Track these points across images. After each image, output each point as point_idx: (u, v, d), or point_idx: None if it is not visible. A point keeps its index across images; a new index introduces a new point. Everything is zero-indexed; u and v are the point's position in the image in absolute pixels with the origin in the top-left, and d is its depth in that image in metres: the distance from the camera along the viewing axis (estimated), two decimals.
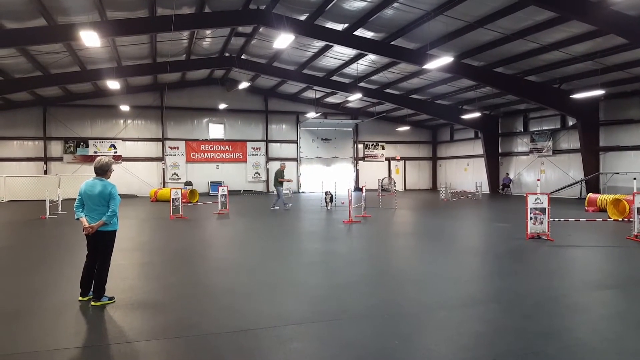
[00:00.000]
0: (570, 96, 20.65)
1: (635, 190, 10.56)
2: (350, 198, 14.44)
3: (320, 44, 20.49)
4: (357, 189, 31.34)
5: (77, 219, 5.65)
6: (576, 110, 22.27)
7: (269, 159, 32.81)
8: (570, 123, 25.24)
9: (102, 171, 5.72)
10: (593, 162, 23.21)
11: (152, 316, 5.23)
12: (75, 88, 26.76)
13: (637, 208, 10.26)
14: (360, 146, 35.62)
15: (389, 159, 36.27)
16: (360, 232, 12.25)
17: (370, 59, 21.92)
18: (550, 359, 4.03)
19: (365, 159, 35.66)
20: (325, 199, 19.38)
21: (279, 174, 19.38)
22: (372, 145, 35.90)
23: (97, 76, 22.80)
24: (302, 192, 32.83)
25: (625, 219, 11.93)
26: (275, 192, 19.92)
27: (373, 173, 34.49)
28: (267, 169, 32.67)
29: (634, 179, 11.75)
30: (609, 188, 22.50)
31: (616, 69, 18.51)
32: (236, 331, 4.71)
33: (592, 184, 22.94)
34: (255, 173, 32.52)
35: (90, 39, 13.54)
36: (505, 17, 15.03)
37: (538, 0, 13.22)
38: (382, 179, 32.85)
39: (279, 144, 33.30)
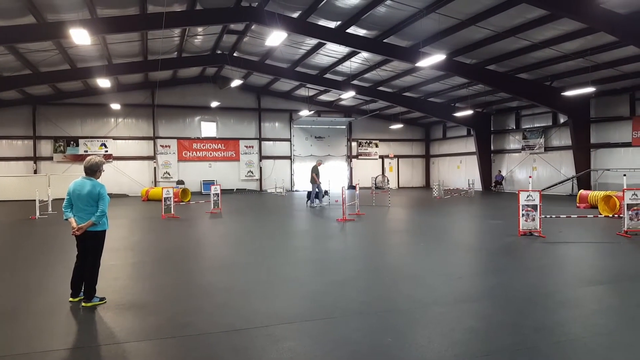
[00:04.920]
0: (562, 93, 20.79)
1: (625, 187, 10.64)
2: (343, 196, 14.43)
3: (313, 41, 20.43)
4: (351, 187, 31.35)
5: (66, 219, 5.58)
6: (567, 107, 22.41)
7: (262, 157, 32.72)
8: (562, 120, 25.40)
9: (92, 171, 5.64)
10: (584, 159, 23.38)
11: (144, 316, 5.19)
12: (65, 86, 26.50)
13: (627, 204, 10.35)
14: (354, 144, 35.63)
15: (382, 157, 36.31)
16: (354, 229, 12.24)
17: (363, 57, 21.91)
18: (543, 354, 4.04)
19: (359, 157, 35.68)
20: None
21: (315, 170, 18.94)
22: (365, 143, 35.92)
23: (87, 74, 22.61)
24: (296, 191, 32.79)
25: (616, 215, 12.01)
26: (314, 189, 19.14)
27: (367, 171, 34.54)
28: (260, 168, 32.61)
29: (624, 175, 11.85)
30: (600, 184, 22.69)
31: (606, 67, 18.63)
32: (229, 330, 4.68)
33: (584, 181, 23.13)
34: (248, 171, 32.43)
35: (80, 37, 13.40)
36: (497, 14, 15.06)
37: None
38: (376, 177, 32.91)
39: (272, 142, 33.21)
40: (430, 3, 15.00)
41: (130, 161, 29.63)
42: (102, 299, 5.61)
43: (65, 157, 28.45)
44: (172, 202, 15.93)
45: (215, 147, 31.70)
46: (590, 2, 13.32)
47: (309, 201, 19.14)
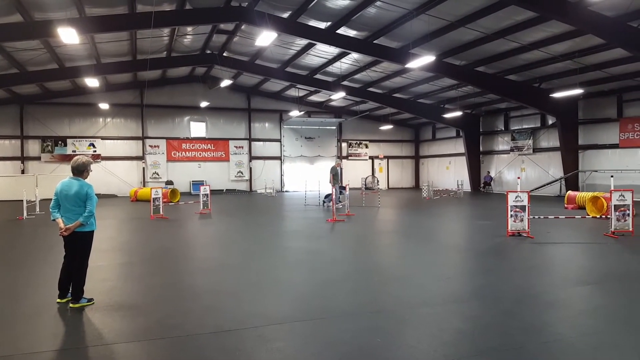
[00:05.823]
0: (550, 95, 20.99)
1: (612, 188, 10.77)
2: (333, 197, 14.46)
3: (303, 42, 20.41)
4: (341, 187, 31.32)
5: (53, 220, 5.52)
6: (556, 109, 22.62)
7: (252, 158, 32.63)
8: (550, 122, 25.65)
9: (79, 171, 5.59)
10: (572, 160, 23.63)
11: (133, 318, 5.15)
12: (53, 86, 26.20)
13: (615, 205, 10.48)
14: (344, 145, 35.68)
15: (372, 158, 36.40)
16: (344, 230, 12.25)
17: (353, 58, 21.94)
18: (531, 354, 4.07)
19: (349, 158, 35.72)
20: None
21: (334, 171, 18.71)
22: (355, 143, 35.99)
23: (75, 74, 22.37)
24: (286, 191, 32.74)
25: (603, 216, 12.15)
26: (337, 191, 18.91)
27: (356, 172, 34.56)
28: (250, 168, 32.53)
29: (612, 176, 12.00)
30: (588, 186, 22.94)
31: (594, 69, 18.85)
32: (219, 331, 4.66)
33: (571, 182, 23.37)
34: (238, 172, 32.31)
35: (68, 36, 13.27)
36: (486, 16, 15.17)
37: (518, 0, 13.38)
38: (366, 178, 32.98)
39: (262, 142, 33.14)
40: (420, 4, 15.07)
41: (118, 161, 29.38)
42: (90, 300, 5.56)
43: (53, 157, 28.13)
44: (161, 203, 15.82)
45: (205, 148, 31.54)
46: (578, 5, 13.48)
47: (336, 200, 18.70)
